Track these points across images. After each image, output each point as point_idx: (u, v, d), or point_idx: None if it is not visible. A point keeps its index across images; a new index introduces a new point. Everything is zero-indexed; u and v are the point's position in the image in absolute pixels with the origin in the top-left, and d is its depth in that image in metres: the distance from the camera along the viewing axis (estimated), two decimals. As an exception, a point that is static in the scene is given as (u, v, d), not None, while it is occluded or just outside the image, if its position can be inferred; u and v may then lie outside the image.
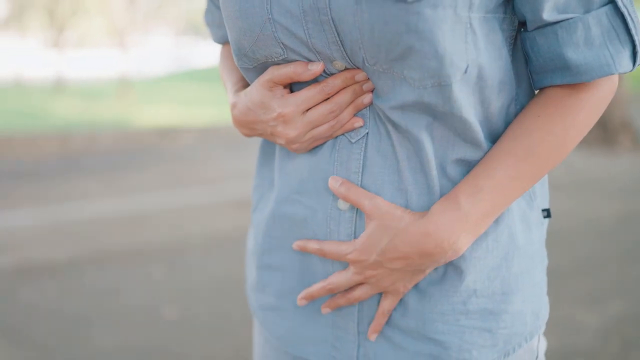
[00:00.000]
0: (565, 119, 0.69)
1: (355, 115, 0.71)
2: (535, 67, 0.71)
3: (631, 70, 0.68)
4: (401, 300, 0.75)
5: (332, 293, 0.75)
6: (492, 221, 0.70)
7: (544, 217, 0.79)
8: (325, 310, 0.76)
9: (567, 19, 0.66)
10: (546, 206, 0.79)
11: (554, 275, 3.32)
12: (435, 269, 0.73)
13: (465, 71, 0.64)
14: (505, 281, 0.74)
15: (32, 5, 22.21)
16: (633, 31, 0.66)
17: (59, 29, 22.00)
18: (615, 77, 0.70)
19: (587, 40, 0.66)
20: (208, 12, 0.91)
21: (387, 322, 0.76)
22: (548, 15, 0.66)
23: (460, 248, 0.69)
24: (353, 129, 0.71)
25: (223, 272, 3.55)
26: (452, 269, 0.73)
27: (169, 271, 3.59)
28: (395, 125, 0.68)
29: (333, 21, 0.64)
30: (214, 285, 3.36)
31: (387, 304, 0.74)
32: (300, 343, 0.81)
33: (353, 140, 0.72)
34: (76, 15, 22.24)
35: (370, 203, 0.69)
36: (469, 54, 0.64)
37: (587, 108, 0.70)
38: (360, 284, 0.74)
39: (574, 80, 0.68)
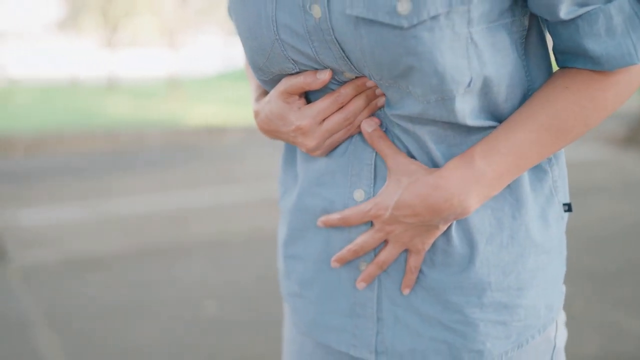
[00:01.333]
0: (594, 93, 0.68)
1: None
2: (558, 49, 0.70)
3: None
4: (423, 285, 0.75)
5: (358, 255, 0.76)
6: (504, 185, 0.70)
7: (565, 211, 0.78)
8: (361, 285, 0.78)
9: (588, 11, 0.64)
10: (567, 200, 0.78)
11: (598, 279, 3.25)
12: (454, 261, 0.74)
13: (469, 85, 0.64)
14: (521, 276, 0.74)
15: (86, 6, 22.87)
16: None
17: (112, 29, 22.58)
18: None
19: (609, 29, 0.64)
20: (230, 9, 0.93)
21: (408, 307, 0.76)
22: (566, 14, 0.64)
23: (470, 206, 0.68)
24: None
25: (264, 269, 3.59)
26: (468, 260, 0.73)
27: (211, 267, 3.65)
28: (403, 129, 0.70)
29: (337, 41, 0.65)
30: (255, 282, 3.40)
31: (412, 260, 0.74)
32: (322, 331, 0.83)
33: None
34: (129, 16, 22.77)
35: (392, 157, 0.71)
36: (472, 68, 0.64)
37: (617, 88, 0.68)
38: (383, 245, 0.75)
39: (596, 68, 0.67)
